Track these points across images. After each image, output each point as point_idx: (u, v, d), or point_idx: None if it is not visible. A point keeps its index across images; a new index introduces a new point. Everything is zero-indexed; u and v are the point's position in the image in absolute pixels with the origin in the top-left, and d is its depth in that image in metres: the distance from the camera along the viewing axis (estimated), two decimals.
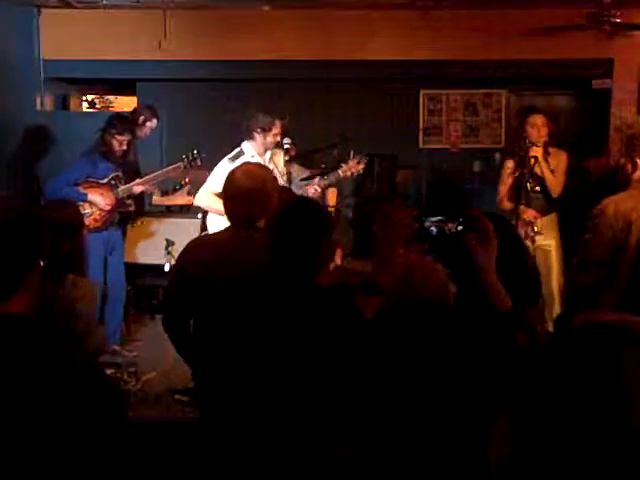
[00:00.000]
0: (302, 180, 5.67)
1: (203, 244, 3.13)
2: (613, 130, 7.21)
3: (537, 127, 4.99)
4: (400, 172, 7.77)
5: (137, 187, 5.41)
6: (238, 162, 4.73)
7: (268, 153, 5.03)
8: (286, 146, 4.82)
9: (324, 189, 5.25)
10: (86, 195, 5.20)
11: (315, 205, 2.67)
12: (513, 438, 0.85)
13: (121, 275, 5.50)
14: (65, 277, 3.09)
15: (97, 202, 5.23)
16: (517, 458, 0.84)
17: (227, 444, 2.40)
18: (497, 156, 8.19)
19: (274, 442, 2.28)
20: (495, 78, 7.72)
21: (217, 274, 2.69)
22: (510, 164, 5.17)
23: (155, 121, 6.00)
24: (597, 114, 7.61)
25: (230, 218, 2.97)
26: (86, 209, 5.20)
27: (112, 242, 5.45)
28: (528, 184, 5.02)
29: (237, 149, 5.00)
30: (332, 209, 6.20)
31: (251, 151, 4.94)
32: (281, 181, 4.79)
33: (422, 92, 8.24)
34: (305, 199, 3.40)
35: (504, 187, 5.13)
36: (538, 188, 5.04)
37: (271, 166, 4.81)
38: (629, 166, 3.33)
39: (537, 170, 5.02)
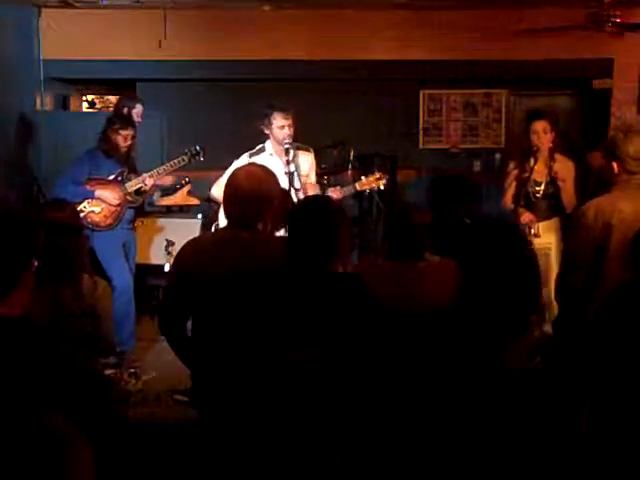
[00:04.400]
0: None
1: (200, 244, 3.12)
2: (613, 130, 7.20)
3: (538, 134, 4.95)
4: (400, 172, 7.78)
5: (149, 180, 5.38)
6: (257, 158, 4.62)
7: (291, 154, 4.68)
8: (286, 146, 4.76)
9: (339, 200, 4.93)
10: (93, 192, 5.20)
11: (329, 200, 2.79)
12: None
13: (132, 277, 5.48)
14: (81, 277, 3.10)
15: (105, 198, 5.21)
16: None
17: (226, 444, 2.40)
18: (497, 156, 8.21)
19: (274, 442, 2.28)
20: (495, 78, 7.72)
21: (215, 274, 2.68)
22: (512, 165, 5.16)
23: (139, 106, 5.95)
24: (597, 114, 7.61)
25: (228, 218, 2.95)
26: (94, 206, 5.20)
27: (129, 243, 5.45)
28: (529, 188, 5.01)
29: (261, 145, 4.82)
30: None
31: (270, 149, 4.78)
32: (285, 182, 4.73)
33: (422, 92, 8.24)
34: (321, 197, 3.45)
35: (508, 189, 5.12)
36: (539, 194, 5.03)
37: (292, 167, 4.68)
38: (609, 169, 3.35)
39: (537, 177, 4.99)
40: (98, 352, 3.22)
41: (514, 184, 5.05)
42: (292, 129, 4.69)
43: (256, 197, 2.82)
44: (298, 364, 2.26)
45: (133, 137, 5.33)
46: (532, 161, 4.94)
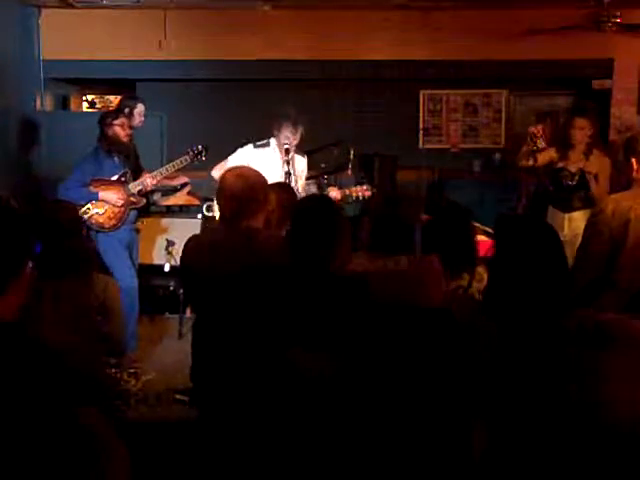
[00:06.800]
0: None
1: (198, 241, 3.18)
2: (613, 130, 7.21)
3: (574, 129, 5.13)
4: (400, 172, 7.78)
5: (151, 180, 5.39)
6: (261, 150, 4.94)
7: (289, 154, 4.91)
8: (286, 146, 4.81)
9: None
10: (97, 194, 5.19)
11: (331, 202, 2.78)
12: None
13: (136, 278, 5.47)
14: (92, 276, 3.13)
15: (109, 199, 5.20)
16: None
17: (226, 444, 2.40)
18: (497, 156, 8.22)
19: (271, 440, 2.28)
20: (495, 78, 7.73)
21: (206, 270, 2.82)
22: (552, 152, 5.26)
23: (141, 106, 5.92)
24: (597, 114, 7.61)
25: (220, 215, 3.12)
26: (98, 208, 5.20)
27: (132, 244, 5.45)
28: (563, 177, 5.18)
29: (267, 140, 5.02)
30: None
31: (274, 145, 4.97)
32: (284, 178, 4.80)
33: (422, 92, 8.25)
34: (322, 196, 3.62)
35: (526, 147, 5.24)
36: (572, 183, 5.18)
37: (288, 167, 4.85)
38: (628, 168, 3.36)
39: (571, 167, 5.16)
40: (110, 351, 3.25)
41: (546, 160, 5.21)
42: (295, 142, 4.92)
43: (243, 196, 2.95)
44: (304, 368, 2.25)
45: (130, 126, 5.33)
46: (569, 153, 5.15)
